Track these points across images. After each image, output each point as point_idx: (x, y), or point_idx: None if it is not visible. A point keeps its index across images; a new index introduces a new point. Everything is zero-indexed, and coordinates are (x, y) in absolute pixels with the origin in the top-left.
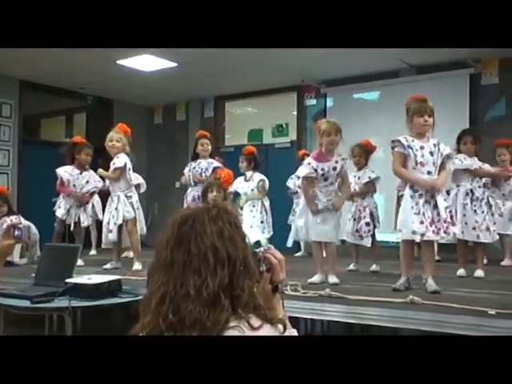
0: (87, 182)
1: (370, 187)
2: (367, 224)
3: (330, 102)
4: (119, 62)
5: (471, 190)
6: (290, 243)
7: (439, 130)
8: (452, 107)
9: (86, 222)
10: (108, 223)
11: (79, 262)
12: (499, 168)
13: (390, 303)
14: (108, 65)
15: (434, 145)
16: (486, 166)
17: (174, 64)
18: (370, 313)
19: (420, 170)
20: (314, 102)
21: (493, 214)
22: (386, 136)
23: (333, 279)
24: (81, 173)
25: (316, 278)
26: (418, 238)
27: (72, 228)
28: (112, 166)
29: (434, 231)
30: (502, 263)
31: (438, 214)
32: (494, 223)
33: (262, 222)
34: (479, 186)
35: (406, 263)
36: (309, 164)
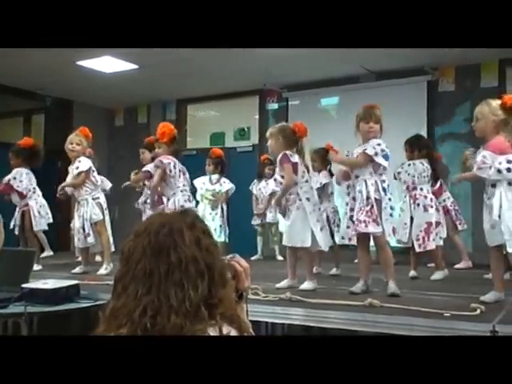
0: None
1: (320, 192)
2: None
3: (291, 107)
4: (79, 62)
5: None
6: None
7: (398, 136)
8: (410, 113)
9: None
10: (83, 227)
11: (37, 266)
12: None
13: (349, 306)
14: (68, 66)
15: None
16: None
17: (135, 66)
18: (330, 316)
19: (384, 174)
20: (275, 106)
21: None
22: (347, 141)
23: (306, 285)
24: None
25: (284, 283)
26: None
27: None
28: (75, 171)
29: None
30: (456, 266)
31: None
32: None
33: (220, 226)
34: (428, 191)
35: (363, 266)
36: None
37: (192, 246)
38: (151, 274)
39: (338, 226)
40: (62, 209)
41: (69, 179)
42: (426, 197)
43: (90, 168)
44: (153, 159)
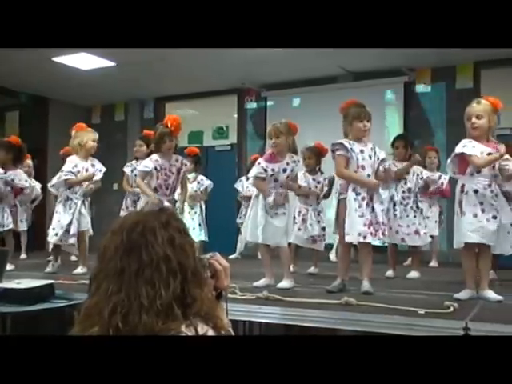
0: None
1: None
2: (323, 229)
3: (270, 106)
4: (55, 59)
5: (392, 196)
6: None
7: (374, 136)
8: (387, 114)
9: (11, 225)
10: (69, 225)
11: (9, 266)
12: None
13: (325, 304)
14: (43, 62)
15: (371, 148)
16: (418, 170)
17: (113, 63)
18: (307, 314)
19: (361, 173)
20: (254, 105)
21: (423, 218)
22: (325, 140)
23: (284, 283)
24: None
25: (261, 282)
26: (361, 240)
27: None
28: (91, 169)
29: (371, 233)
30: (430, 264)
31: (376, 217)
32: (426, 226)
33: (199, 225)
34: (403, 191)
35: (343, 266)
36: (259, 164)
37: (165, 245)
38: (122, 272)
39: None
40: (36, 208)
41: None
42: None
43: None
44: (149, 154)
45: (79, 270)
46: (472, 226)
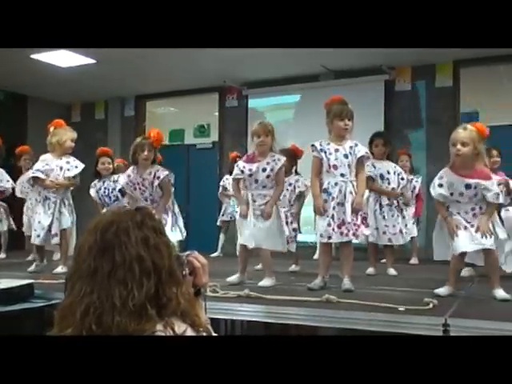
0: None
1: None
2: (294, 230)
3: (251, 104)
4: (34, 56)
5: (379, 197)
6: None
7: (356, 134)
8: (368, 112)
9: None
10: (50, 225)
11: None
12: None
13: (306, 302)
14: (22, 59)
15: (351, 147)
16: (398, 169)
17: (93, 61)
18: (288, 312)
19: (333, 173)
20: (235, 103)
21: (404, 217)
22: (307, 138)
23: (265, 282)
24: None
25: (234, 278)
26: (324, 241)
27: None
28: (71, 170)
29: (342, 233)
30: (411, 262)
31: (346, 217)
32: (406, 225)
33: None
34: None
35: (323, 264)
36: (237, 166)
37: (138, 245)
38: (95, 272)
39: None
40: (13, 208)
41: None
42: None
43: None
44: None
45: (59, 269)
46: (463, 237)
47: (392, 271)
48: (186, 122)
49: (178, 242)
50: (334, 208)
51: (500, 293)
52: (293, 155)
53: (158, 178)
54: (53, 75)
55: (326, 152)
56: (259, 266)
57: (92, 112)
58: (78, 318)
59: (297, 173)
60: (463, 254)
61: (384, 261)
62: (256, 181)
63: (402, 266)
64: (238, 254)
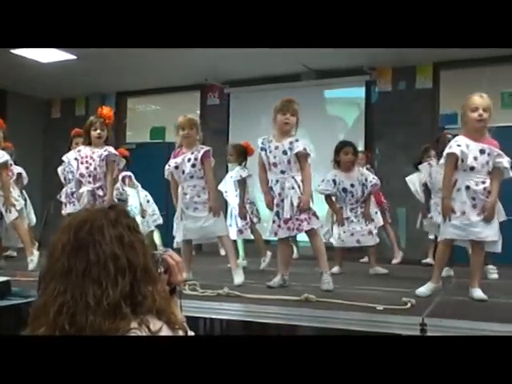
0: None
1: (240, 185)
2: (244, 218)
3: (233, 102)
4: (13, 50)
5: (342, 208)
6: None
7: (335, 133)
8: (349, 112)
9: None
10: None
11: None
12: None
13: (285, 301)
14: (1, 53)
15: (290, 142)
16: (365, 175)
17: (74, 56)
18: (268, 311)
19: (273, 170)
20: (217, 101)
21: (372, 220)
22: None
23: (237, 279)
24: None
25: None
26: (272, 237)
27: None
28: None
29: (289, 228)
30: (393, 261)
31: (292, 211)
32: (375, 227)
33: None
34: (351, 204)
35: (282, 261)
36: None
37: (113, 243)
38: (69, 271)
39: (258, 217)
40: None
41: None
42: None
43: (7, 161)
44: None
45: (31, 265)
46: (461, 223)
47: (380, 270)
48: (167, 120)
49: (159, 239)
50: (278, 205)
51: (477, 293)
52: (243, 151)
53: (107, 152)
54: (33, 70)
55: (266, 150)
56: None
57: (72, 108)
58: (51, 318)
59: (245, 166)
60: (452, 241)
61: (364, 260)
62: (183, 172)
63: (384, 265)
64: (181, 252)
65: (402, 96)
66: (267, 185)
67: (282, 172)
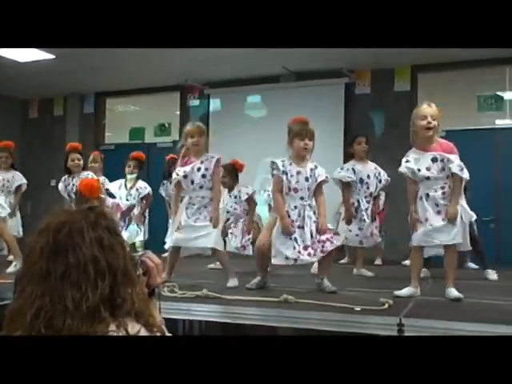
0: None
1: (251, 202)
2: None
3: (213, 103)
4: None
5: (358, 201)
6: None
7: (316, 136)
8: (328, 114)
9: None
10: None
11: None
12: None
13: (265, 302)
14: None
15: (311, 169)
16: (379, 170)
17: (52, 56)
18: (247, 312)
19: (293, 196)
20: (197, 102)
21: (375, 220)
22: (268, 139)
23: (231, 283)
24: None
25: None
26: (290, 263)
27: None
28: None
29: (309, 254)
30: (375, 262)
31: (312, 237)
32: (376, 227)
33: (137, 225)
34: (365, 197)
35: (261, 264)
36: (175, 172)
37: (93, 246)
38: (47, 275)
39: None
40: None
41: None
42: None
43: None
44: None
45: (12, 267)
46: (426, 230)
47: (365, 272)
48: (146, 121)
49: (141, 241)
50: (296, 231)
51: (453, 292)
52: (234, 169)
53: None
54: (10, 70)
55: (287, 174)
56: (212, 265)
57: (50, 108)
58: (27, 321)
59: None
60: (421, 248)
61: (343, 261)
62: (192, 182)
63: (367, 266)
64: (168, 257)
65: (380, 98)
66: (284, 209)
67: (302, 198)
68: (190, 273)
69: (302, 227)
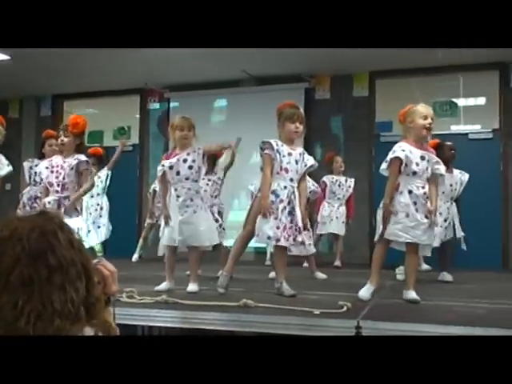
0: None
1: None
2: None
3: (173, 107)
4: None
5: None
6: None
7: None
8: None
9: None
10: None
11: None
12: None
13: (224, 307)
14: None
15: (300, 154)
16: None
17: (7, 57)
18: (206, 317)
19: (283, 175)
20: (157, 105)
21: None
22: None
23: (191, 287)
24: None
25: (163, 286)
26: (272, 243)
27: None
28: None
29: (285, 237)
30: (334, 264)
31: (292, 222)
32: (310, 237)
33: (99, 227)
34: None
35: (232, 261)
36: (160, 164)
37: (67, 248)
38: (31, 281)
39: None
40: None
41: None
42: None
43: None
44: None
45: None
46: (403, 225)
47: (320, 275)
48: (105, 124)
49: (99, 245)
50: (282, 212)
51: (411, 294)
52: (214, 156)
53: (77, 160)
54: None
55: (280, 153)
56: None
57: (5, 111)
58: (20, 327)
59: (215, 172)
60: (389, 242)
61: (305, 265)
62: (177, 173)
63: (325, 269)
64: (165, 258)
65: (340, 104)
66: (270, 189)
67: (291, 180)
68: (150, 278)
69: (290, 209)
